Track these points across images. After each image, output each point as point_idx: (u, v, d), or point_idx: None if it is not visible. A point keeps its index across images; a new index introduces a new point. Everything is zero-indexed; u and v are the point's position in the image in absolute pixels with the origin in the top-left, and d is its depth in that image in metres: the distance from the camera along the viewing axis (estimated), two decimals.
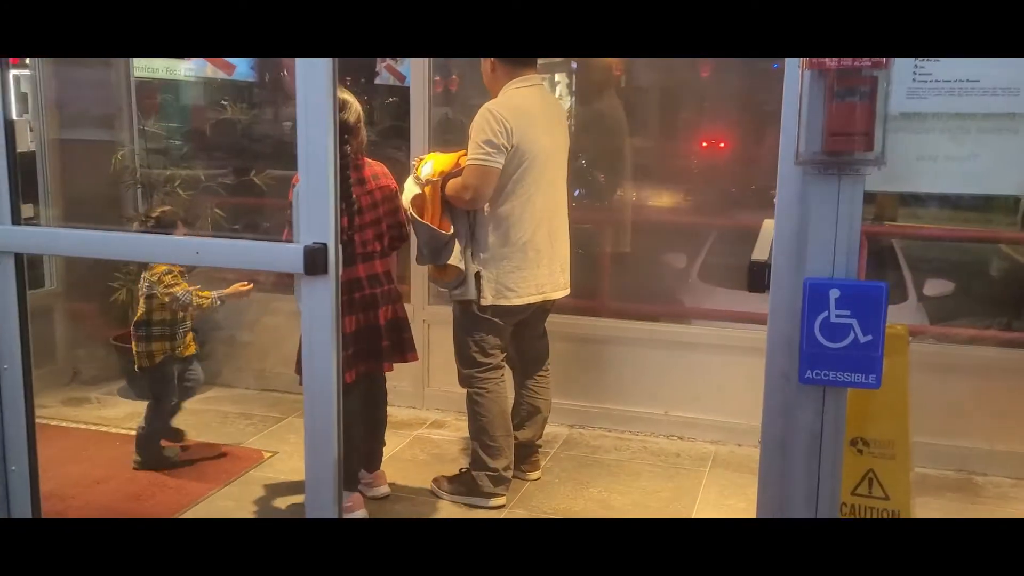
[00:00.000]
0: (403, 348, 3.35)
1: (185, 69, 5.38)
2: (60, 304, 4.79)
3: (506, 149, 3.21)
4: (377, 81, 6.42)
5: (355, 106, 3.18)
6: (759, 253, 1.94)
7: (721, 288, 4.92)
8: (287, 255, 2.04)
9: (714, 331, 4.28)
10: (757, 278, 1.86)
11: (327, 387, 2.11)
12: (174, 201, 4.46)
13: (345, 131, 3.10)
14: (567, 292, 3.54)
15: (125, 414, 4.44)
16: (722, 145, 5.18)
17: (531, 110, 3.30)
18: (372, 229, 3.22)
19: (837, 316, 1.65)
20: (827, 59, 1.56)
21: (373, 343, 3.23)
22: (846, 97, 1.58)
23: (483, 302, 3.34)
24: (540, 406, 3.67)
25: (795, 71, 1.65)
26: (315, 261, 2.03)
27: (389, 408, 3.53)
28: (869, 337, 1.64)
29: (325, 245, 2.05)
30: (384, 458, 3.60)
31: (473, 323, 3.41)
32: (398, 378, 4.44)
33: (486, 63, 3.39)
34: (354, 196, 3.11)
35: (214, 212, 4.56)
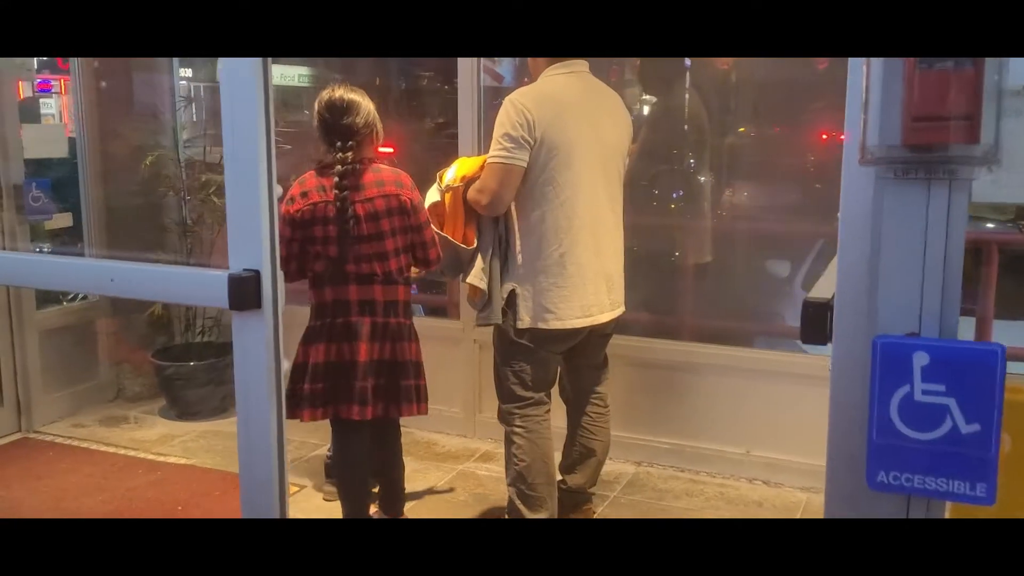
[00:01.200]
0: (398, 397, 2.84)
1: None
2: (103, 317, 4.56)
3: (527, 143, 2.71)
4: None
5: (365, 108, 2.78)
6: (822, 288, 1.40)
7: None
8: (209, 285, 1.62)
9: (807, 358, 3.66)
10: (814, 324, 1.32)
11: (264, 442, 1.68)
12: (208, 208, 4.15)
13: (350, 135, 2.75)
14: (618, 312, 2.99)
15: (158, 436, 4.16)
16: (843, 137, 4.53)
17: (565, 98, 2.80)
18: (369, 245, 2.76)
19: (925, 392, 1.10)
20: None
21: (346, 381, 2.76)
22: (936, 63, 1.03)
23: (519, 325, 2.85)
24: (595, 448, 3.13)
25: None
26: (243, 293, 1.60)
27: (437, 435, 3.10)
28: (976, 427, 1.08)
29: (257, 273, 1.61)
30: (421, 493, 3.18)
31: (510, 350, 2.92)
32: (448, 402, 4.04)
33: None
34: (349, 205, 2.71)
35: None
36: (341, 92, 2.78)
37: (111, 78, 4.39)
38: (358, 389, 2.75)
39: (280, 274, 1.66)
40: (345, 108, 2.76)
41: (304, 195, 2.74)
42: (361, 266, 2.75)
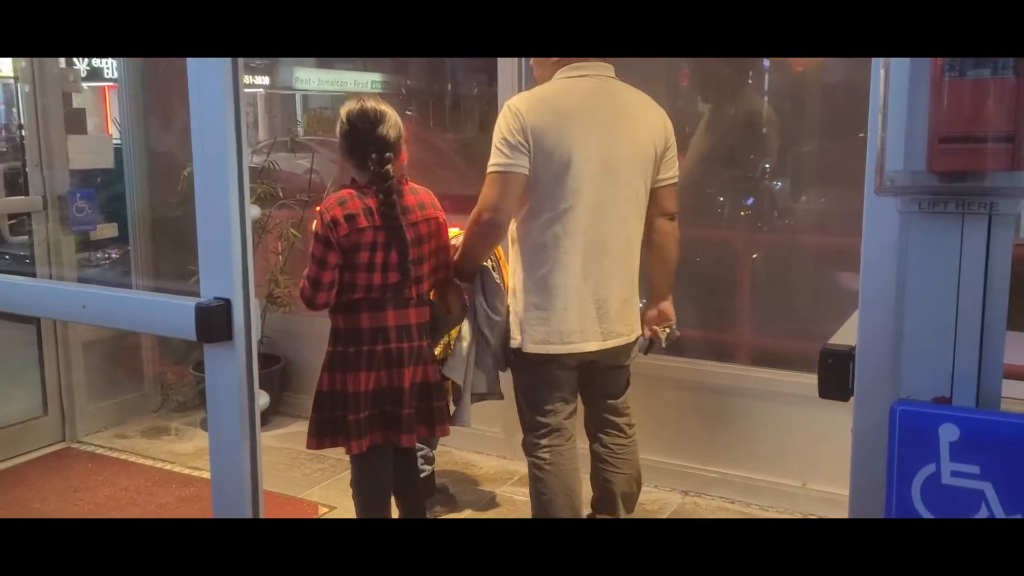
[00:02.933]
0: (432, 418, 2.71)
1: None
2: None
3: (525, 149, 2.52)
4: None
5: (394, 119, 2.60)
6: (846, 334, 1.20)
7: None
8: (175, 315, 1.50)
9: None
10: (834, 377, 1.13)
11: (236, 487, 1.55)
12: None
13: (385, 148, 2.54)
14: (615, 343, 2.70)
15: (196, 449, 4.11)
16: None
17: (567, 104, 2.57)
18: (413, 270, 2.60)
19: (955, 474, 0.90)
20: None
21: (394, 408, 2.62)
22: (969, 70, 0.83)
23: (512, 344, 2.69)
24: (614, 481, 2.87)
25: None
26: (211, 324, 1.47)
27: (476, 456, 2.93)
28: (1018, 519, 0.88)
29: (228, 302, 1.49)
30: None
31: (517, 372, 2.77)
32: (488, 421, 3.88)
33: None
34: (404, 233, 2.55)
35: (289, 231, 4.15)
36: (371, 102, 2.61)
37: (156, 88, 4.37)
38: (406, 417, 2.63)
39: (255, 302, 1.53)
40: (379, 118, 2.56)
41: (350, 219, 2.50)
42: (401, 291, 2.60)
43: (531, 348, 2.64)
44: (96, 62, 11.09)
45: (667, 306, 2.83)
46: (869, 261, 1.02)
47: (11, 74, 3.93)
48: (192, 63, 1.47)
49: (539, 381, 2.71)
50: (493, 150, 2.56)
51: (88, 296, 1.59)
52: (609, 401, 2.88)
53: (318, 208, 2.60)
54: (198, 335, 1.47)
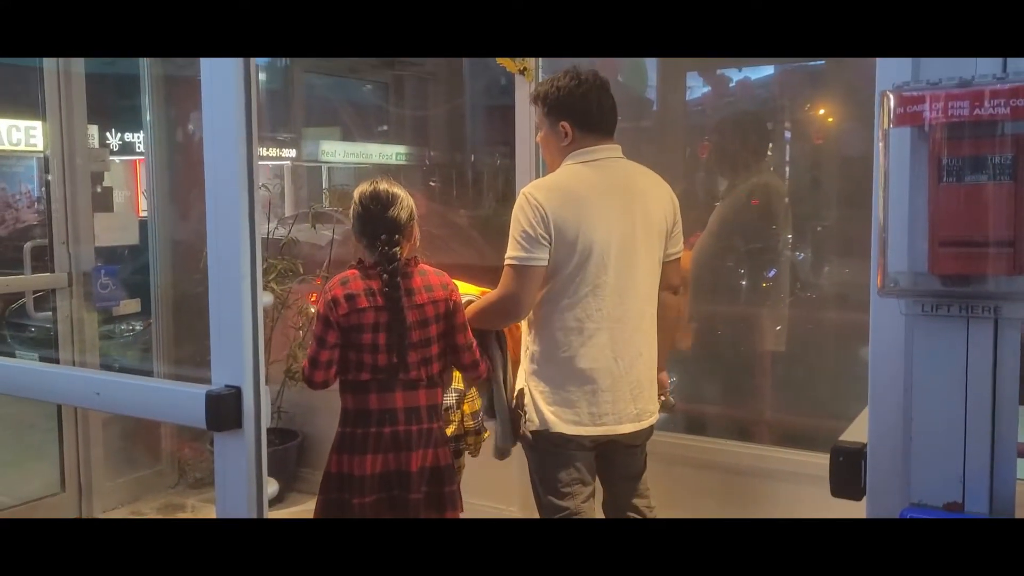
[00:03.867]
0: (443, 503, 2.66)
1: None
2: None
3: (545, 241, 2.51)
4: None
5: (408, 202, 2.62)
6: (858, 431, 1.18)
7: None
8: (185, 403, 1.50)
9: None
10: (845, 475, 1.11)
11: None
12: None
13: (395, 231, 2.55)
14: (646, 424, 2.70)
15: None
16: None
17: (584, 191, 2.57)
18: (417, 352, 2.58)
19: None
20: (926, 99, 0.82)
21: (400, 493, 2.58)
22: (967, 176, 0.83)
23: (529, 427, 2.65)
24: None
25: (878, 128, 0.93)
26: (221, 412, 1.48)
27: None
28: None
29: (238, 390, 1.49)
30: None
31: (534, 452, 2.71)
32: (505, 500, 3.82)
33: (564, 127, 2.60)
34: (404, 316, 2.55)
35: (308, 307, 4.18)
36: (384, 185, 2.63)
37: (182, 162, 4.46)
38: (413, 502, 2.59)
39: (265, 390, 1.53)
40: (390, 200, 2.59)
41: (350, 299, 2.51)
42: (409, 373, 2.58)
43: (560, 429, 2.59)
44: (128, 136, 11.35)
45: (664, 376, 2.86)
46: (877, 358, 1.01)
47: (42, 149, 4.01)
48: (209, 143, 1.50)
49: (558, 463, 2.66)
50: (512, 241, 2.55)
51: (102, 383, 1.60)
52: (630, 483, 2.83)
53: (325, 287, 2.63)
54: (208, 423, 1.47)
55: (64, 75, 3.94)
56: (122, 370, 4.84)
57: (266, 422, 1.53)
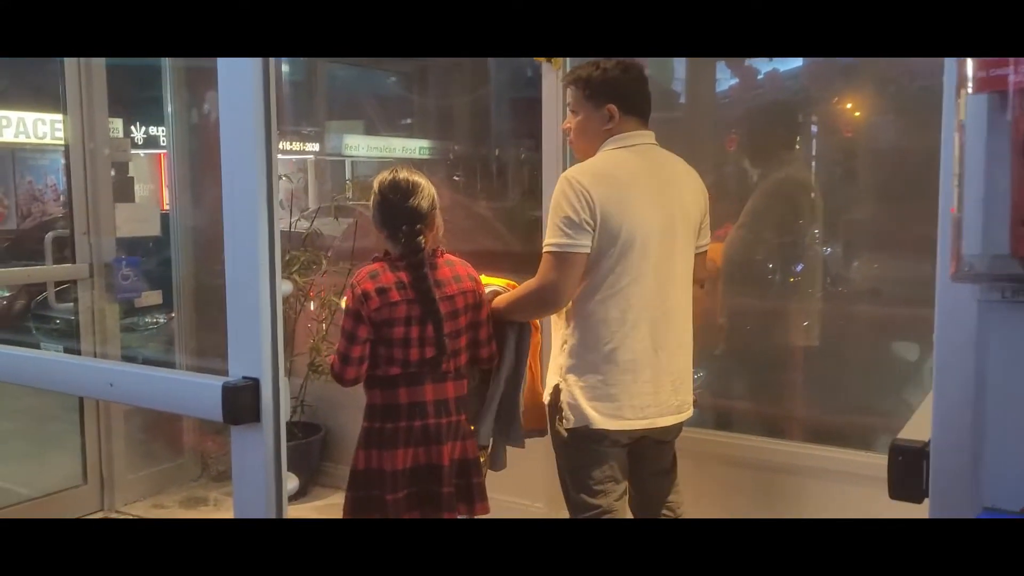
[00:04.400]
0: (472, 496, 2.61)
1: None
2: None
3: (589, 226, 2.43)
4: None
5: (429, 191, 2.55)
6: (917, 427, 1.10)
7: None
8: (201, 395, 1.44)
9: None
10: (906, 475, 1.02)
11: None
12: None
13: (416, 220, 2.49)
14: (684, 417, 2.66)
15: None
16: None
17: (626, 177, 2.51)
18: (449, 344, 2.52)
19: None
20: (1010, 62, 0.74)
21: (432, 487, 2.53)
22: None
23: (565, 426, 2.56)
24: None
25: (952, 98, 0.85)
26: (239, 405, 1.42)
27: None
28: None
29: (256, 382, 1.43)
30: None
31: (565, 449, 2.63)
32: (531, 495, 3.76)
33: (611, 111, 2.53)
34: (438, 306, 2.48)
35: (332, 299, 4.12)
36: (404, 173, 2.56)
37: (204, 154, 4.42)
38: (445, 496, 2.54)
39: (285, 382, 1.47)
40: (411, 189, 2.52)
41: (382, 292, 2.44)
42: (440, 365, 2.52)
43: (601, 425, 2.51)
44: (153, 130, 11.37)
45: None
46: (944, 350, 0.93)
47: (63, 140, 3.98)
48: (226, 142, 1.44)
49: (592, 460, 2.58)
50: (552, 227, 2.46)
51: (115, 374, 1.54)
52: (662, 478, 2.76)
53: (352, 281, 2.55)
54: (224, 417, 1.41)
55: (84, 66, 3.91)
56: (144, 362, 4.83)
57: (285, 415, 1.46)
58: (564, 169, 3.49)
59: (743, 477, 3.46)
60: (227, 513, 4.13)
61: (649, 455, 2.69)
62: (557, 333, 2.64)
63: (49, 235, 4.05)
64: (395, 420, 2.50)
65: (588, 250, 2.43)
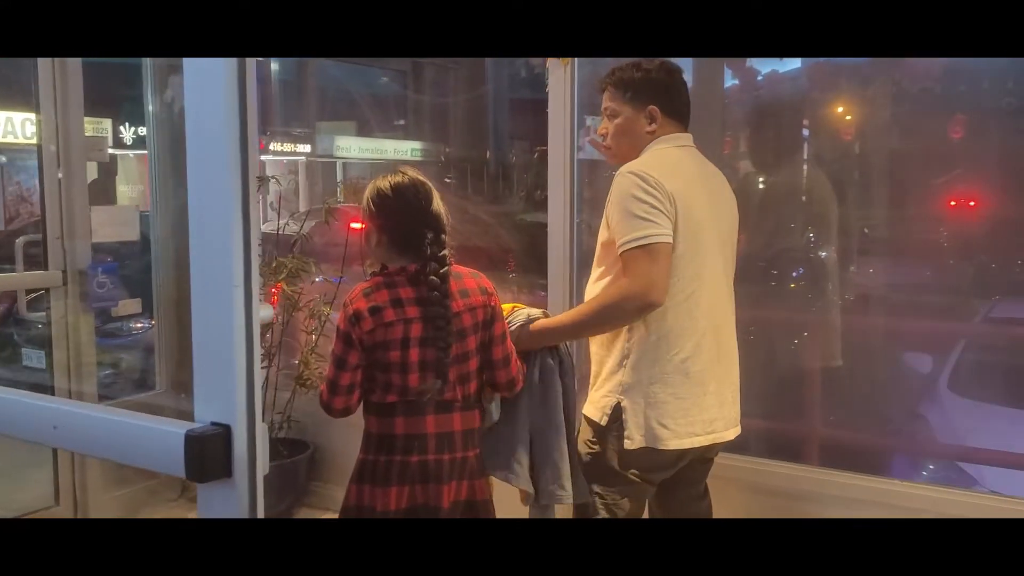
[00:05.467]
0: None
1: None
2: (169, 408, 4.27)
3: (669, 214, 2.23)
4: (580, 156, 5.60)
5: (438, 196, 2.30)
6: None
7: (991, 405, 3.61)
8: (160, 444, 1.19)
9: (975, 498, 2.97)
10: None
11: None
12: (280, 297, 3.84)
13: (440, 228, 2.23)
14: (738, 431, 2.51)
15: None
16: (972, 204, 3.96)
17: (688, 174, 2.37)
18: (454, 369, 2.25)
19: None
20: None
21: None
22: None
23: (628, 446, 2.32)
24: None
25: None
26: (204, 457, 1.17)
27: None
28: None
29: (228, 429, 1.18)
30: None
31: (605, 476, 2.40)
32: None
33: (653, 112, 2.41)
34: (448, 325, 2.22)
35: (321, 309, 3.88)
36: (414, 173, 2.29)
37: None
38: None
39: (263, 428, 1.22)
40: (430, 192, 2.25)
41: (375, 312, 2.17)
42: (444, 393, 2.24)
43: (675, 444, 2.32)
44: (142, 130, 11.13)
45: None
46: None
47: (35, 140, 3.72)
48: (191, 134, 1.19)
49: (636, 490, 2.40)
50: (631, 221, 2.23)
51: (60, 415, 1.28)
52: (699, 502, 2.61)
53: (345, 299, 2.27)
54: (188, 471, 1.16)
55: (59, 64, 3.66)
56: (118, 376, 4.57)
57: (263, 469, 1.22)
58: (572, 171, 3.31)
59: (763, 504, 3.21)
60: None
61: (691, 475, 2.52)
62: (605, 348, 2.42)
63: (20, 240, 3.79)
64: (389, 453, 2.23)
65: (671, 239, 2.24)
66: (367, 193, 2.28)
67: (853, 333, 3.72)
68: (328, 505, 4.11)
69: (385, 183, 2.25)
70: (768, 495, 3.19)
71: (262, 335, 3.94)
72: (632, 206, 2.23)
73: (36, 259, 3.80)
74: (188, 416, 1.22)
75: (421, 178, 2.28)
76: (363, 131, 14.88)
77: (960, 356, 4.17)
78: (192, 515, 3.98)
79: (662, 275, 2.22)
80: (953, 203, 3.99)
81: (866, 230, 3.94)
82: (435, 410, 2.23)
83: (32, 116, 3.67)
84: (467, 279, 2.31)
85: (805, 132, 4.26)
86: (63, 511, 3.87)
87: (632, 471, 2.35)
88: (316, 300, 3.94)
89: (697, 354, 2.32)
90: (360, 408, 2.31)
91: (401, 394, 2.22)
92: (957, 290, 3.86)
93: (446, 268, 2.20)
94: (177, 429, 1.17)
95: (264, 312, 1.28)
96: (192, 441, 1.16)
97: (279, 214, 4.09)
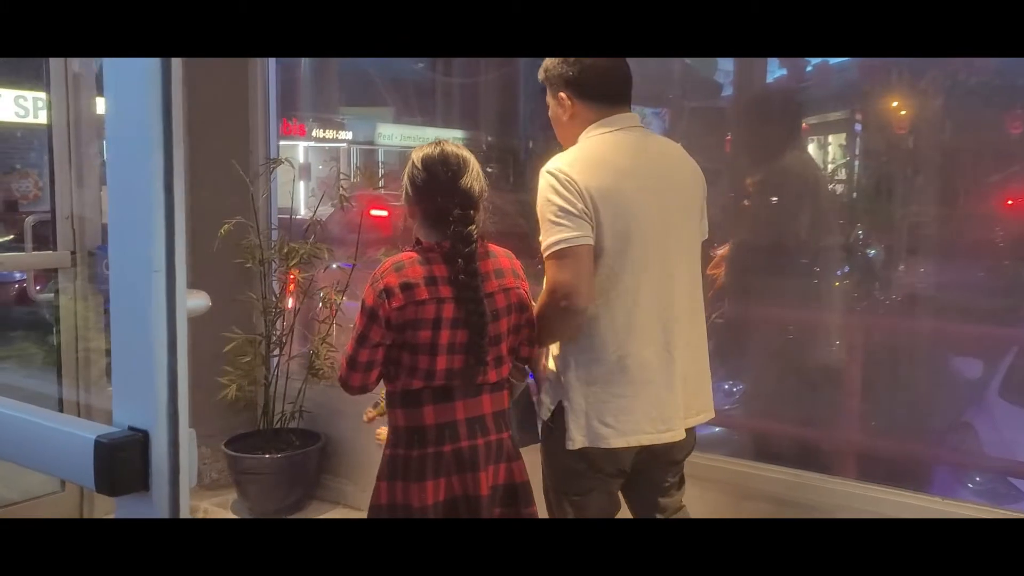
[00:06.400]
0: None
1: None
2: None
3: (587, 216, 2.12)
4: None
5: (477, 170, 2.16)
6: None
7: None
8: (66, 450, 1.04)
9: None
10: None
11: None
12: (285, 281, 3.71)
13: (468, 203, 2.11)
14: (703, 418, 2.38)
15: None
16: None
17: (617, 163, 2.21)
18: (490, 350, 2.14)
19: None
20: None
21: None
22: None
23: (570, 446, 2.21)
24: None
25: None
26: (116, 467, 1.02)
27: None
28: None
29: (145, 435, 1.03)
30: None
31: (564, 477, 2.32)
32: None
33: (563, 99, 2.31)
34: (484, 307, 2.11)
35: (332, 297, 3.74)
36: (451, 147, 2.15)
37: (201, 142, 4.05)
38: None
39: (191, 433, 1.07)
40: (462, 165, 2.12)
41: (407, 288, 2.04)
42: (474, 376, 2.14)
43: (616, 443, 2.21)
44: None
45: None
46: None
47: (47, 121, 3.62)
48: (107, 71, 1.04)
49: (595, 484, 2.29)
50: (547, 226, 2.14)
51: None
52: (666, 498, 2.42)
53: (375, 273, 2.13)
54: (98, 483, 1.01)
55: None
56: None
57: (190, 480, 1.07)
58: None
59: (775, 513, 3.00)
60: None
61: (649, 470, 2.37)
62: (544, 350, 2.35)
63: (30, 219, 3.69)
64: (421, 446, 2.11)
65: (592, 242, 2.12)
66: (406, 168, 2.18)
67: (898, 334, 3.53)
68: (338, 499, 3.99)
69: (418, 154, 2.15)
70: (782, 503, 2.98)
71: (272, 323, 3.83)
72: (546, 210, 2.14)
73: (46, 239, 3.71)
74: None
75: (456, 150, 2.14)
76: (402, 118, 14.78)
77: (1014, 361, 3.91)
78: (204, 503, 3.86)
79: (581, 278, 2.11)
80: (1010, 202, 3.74)
81: (915, 228, 3.72)
82: (464, 395, 2.13)
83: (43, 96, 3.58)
84: (502, 259, 2.21)
85: (857, 127, 4.09)
86: (68, 496, 3.79)
87: (580, 466, 2.26)
88: (328, 288, 3.80)
89: (636, 350, 2.20)
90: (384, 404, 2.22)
91: (427, 379, 2.10)
92: (1012, 292, 3.60)
93: (471, 247, 2.08)
94: (86, 433, 1.02)
95: (195, 301, 1.12)
96: (102, 448, 1.01)
97: (319, 200, 3.93)
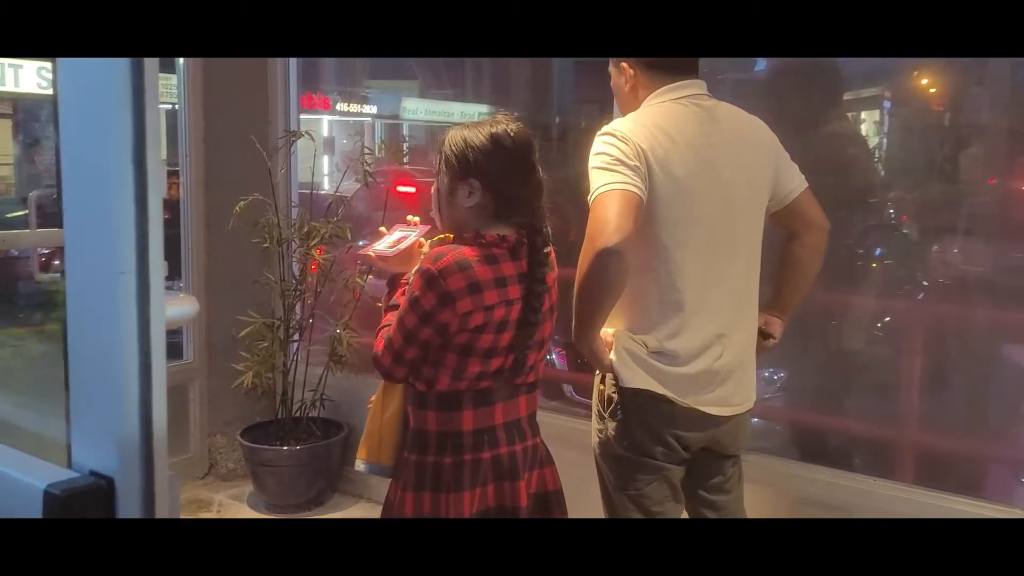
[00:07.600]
0: None
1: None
2: (198, 381, 3.97)
3: (642, 171, 1.91)
4: None
5: (534, 145, 1.90)
6: None
7: None
8: (13, 502, 0.82)
9: None
10: None
11: None
12: (307, 262, 3.49)
13: (542, 192, 1.88)
14: (744, 409, 2.18)
15: None
16: None
17: (678, 133, 1.99)
18: (534, 353, 1.94)
19: None
20: None
21: None
22: None
23: (625, 383, 2.01)
24: None
25: None
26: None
27: None
28: None
29: (110, 483, 0.80)
30: None
31: (623, 470, 2.11)
32: None
33: (624, 69, 2.12)
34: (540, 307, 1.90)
35: (355, 280, 3.51)
36: (520, 125, 1.89)
37: (219, 115, 3.82)
38: None
39: (168, 477, 0.84)
40: (535, 148, 1.88)
41: (475, 290, 1.77)
42: (513, 377, 1.92)
43: (675, 393, 2.04)
44: (172, 80, 10.94)
45: (779, 325, 2.27)
46: None
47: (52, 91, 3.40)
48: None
49: (645, 472, 2.09)
50: (598, 172, 1.92)
51: None
52: (724, 498, 2.24)
53: (431, 267, 1.79)
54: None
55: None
56: None
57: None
58: None
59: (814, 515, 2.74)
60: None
61: (706, 469, 2.21)
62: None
63: (33, 194, 3.48)
64: (457, 453, 1.87)
65: (644, 194, 1.90)
66: (456, 143, 1.86)
67: (947, 320, 3.27)
68: (361, 492, 3.78)
69: (482, 131, 1.84)
70: (820, 506, 2.73)
71: (291, 307, 3.61)
72: (600, 160, 1.93)
73: (54, 217, 3.51)
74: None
75: (528, 130, 1.89)
76: (428, 92, 14.51)
77: None
78: (219, 496, 3.67)
79: (625, 219, 1.85)
80: None
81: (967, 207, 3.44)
82: (503, 396, 1.91)
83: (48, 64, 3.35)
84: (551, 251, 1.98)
85: (887, 104, 3.83)
86: None
87: (645, 443, 2.05)
88: (351, 270, 3.58)
89: (683, 331, 2.02)
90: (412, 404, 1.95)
91: (475, 381, 1.87)
92: None
93: (548, 246, 1.88)
94: (35, 482, 0.80)
95: (178, 309, 0.90)
96: (53, 501, 0.78)
97: (344, 175, 3.68)
